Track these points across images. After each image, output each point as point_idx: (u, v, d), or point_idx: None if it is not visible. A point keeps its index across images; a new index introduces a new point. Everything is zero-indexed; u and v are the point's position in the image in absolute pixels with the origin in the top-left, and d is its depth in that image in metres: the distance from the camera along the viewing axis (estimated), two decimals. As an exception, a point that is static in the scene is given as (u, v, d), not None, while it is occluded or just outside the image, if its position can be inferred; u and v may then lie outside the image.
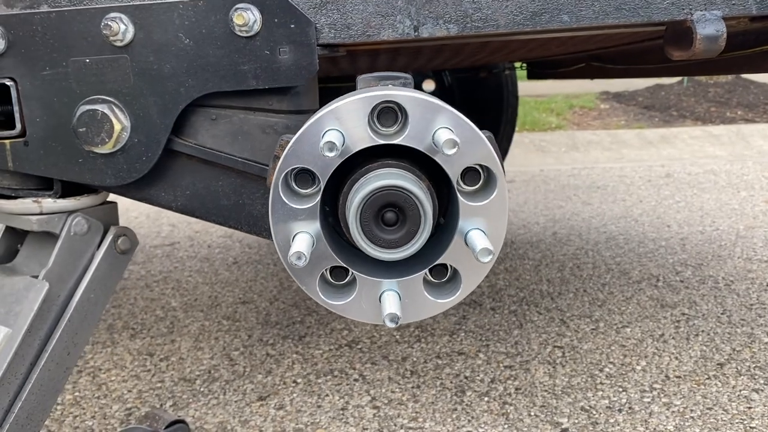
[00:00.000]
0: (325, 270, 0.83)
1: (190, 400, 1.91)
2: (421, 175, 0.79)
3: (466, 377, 2.01)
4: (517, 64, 3.12)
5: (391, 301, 0.78)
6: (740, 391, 1.89)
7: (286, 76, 1.00)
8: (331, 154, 0.71)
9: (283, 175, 0.77)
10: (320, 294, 0.81)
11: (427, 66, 2.03)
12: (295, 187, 0.80)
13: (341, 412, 1.83)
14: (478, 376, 2.02)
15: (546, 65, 2.67)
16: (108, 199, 1.19)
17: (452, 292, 0.82)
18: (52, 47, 0.99)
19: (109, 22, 0.96)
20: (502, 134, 3.33)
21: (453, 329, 2.36)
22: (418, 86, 3.43)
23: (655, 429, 1.70)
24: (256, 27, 0.98)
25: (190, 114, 1.04)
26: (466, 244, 0.79)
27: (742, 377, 1.97)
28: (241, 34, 0.98)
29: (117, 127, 1.00)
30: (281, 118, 1.05)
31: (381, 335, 2.32)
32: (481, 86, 3.28)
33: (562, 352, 2.16)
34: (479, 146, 0.76)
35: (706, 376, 1.98)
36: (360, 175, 0.78)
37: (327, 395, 1.93)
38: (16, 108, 1.01)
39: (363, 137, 0.77)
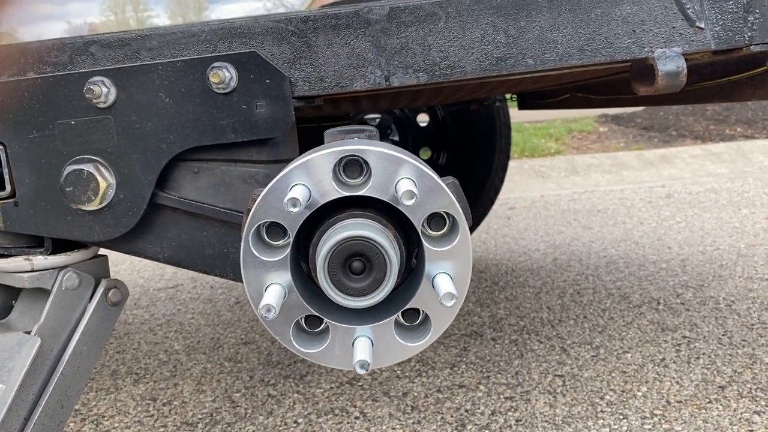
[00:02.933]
0: (300, 318, 0.85)
1: (192, 445, 1.92)
2: (387, 223, 0.82)
3: (466, 410, 2.01)
4: (508, 96, 3.17)
5: (362, 347, 0.80)
6: (742, 413, 1.88)
7: (264, 129, 1.04)
8: (295, 210, 0.75)
9: (253, 228, 0.80)
10: (294, 343, 0.84)
11: (411, 105, 2.08)
12: (267, 239, 0.83)
13: (342, 451, 1.84)
14: (479, 408, 2.02)
15: (534, 96, 2.72)
16: (99, 253, 1.22)
17: (423, 335, 0.85)
18: (39, 111, 1.04)
19: (92, 86, 1.01)
20: (496, 164, 3.36)
21: (454, 362, 2.37)
22: (412, 120, 3.47)
23: (655, 456, 1.70)
24: (233, 84, 1.02)
25: (173, 168, 1.08)
26: (434, 288, 0.81)
27: (743, 399, 1.96)
28: (219, 91, 1.03)
29: (102, 184, 1.04)
30: (262, 168, 1.09)
31: (382, 371, 2.33)
32: (473, 118, 3.33)
33: (563, 381, 2.16)
34: (440, 194, 0.80)
35: (708, 400, 1.97)
36: (328, 226, 0.81)
37: (328, 434, 1.93)
38: (5, 170, 1.05)
39: (329, 190, 0.80)
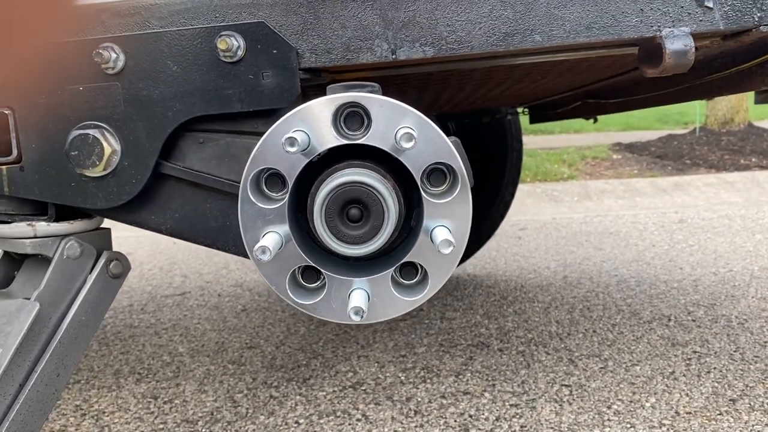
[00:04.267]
0: (297, 270, 0.84)
1: (191, 441, 1.90)
2: (386, 174, 0.81)
3: (470, 416, 1.98)
4: (519, 109, 3.18)
5: (357, 296, 0.79)
6: (753, 426, 1.84)
7: (270, 99, 1.04)
8: (293, 149, 0.74)
9: (251, 176, 0.80)
10: (289, 293, 0.83)
11: (417, 105, 2.08)
12: (266, 190, 0.83)
13: (342, 450, 1.81)
14: (483, 414, 1.98)
15: (545, 107, 2.72)
16: (102, 226, 1.22)
17: (420, 290, 0.83)
18: (49, 77, 1.05)
19: (102, 51, 1.02)
20: (507, 178, 3.35)
21: (459, 370, 2.33)
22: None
23: (662, 463, 1.66)
24: (240, 53, 1.03)
25: (178, 138, 1.08)
26: (432, 241, 0.80)
27: (755, 412, 1.91)
28: (226, 60, 1.03)
29: (107, 150, 1.04)
30: (266, 140, 1.08)
31: (386, 377, 2.30)
32: (484, 132, 3.33)
33: (570, 391, 2.12)
34: (441, 145, 0.79)
35: (718, 412, 1.93)
36: (326, 175, 0.81)
37: (329, 435, 1.90)
38: (12, 135, 1.06)
39: (328, 138, 0.80)
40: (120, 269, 1.17)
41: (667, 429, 1.84)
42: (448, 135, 0.85)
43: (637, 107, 1.98)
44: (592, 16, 1.04)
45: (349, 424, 1.96)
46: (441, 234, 0.77)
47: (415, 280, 0.85)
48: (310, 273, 0.85)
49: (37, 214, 1.13)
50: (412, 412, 2.02)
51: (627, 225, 5.36)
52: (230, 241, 1.13)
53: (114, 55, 1.02)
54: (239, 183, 1.09)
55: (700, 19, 1.04)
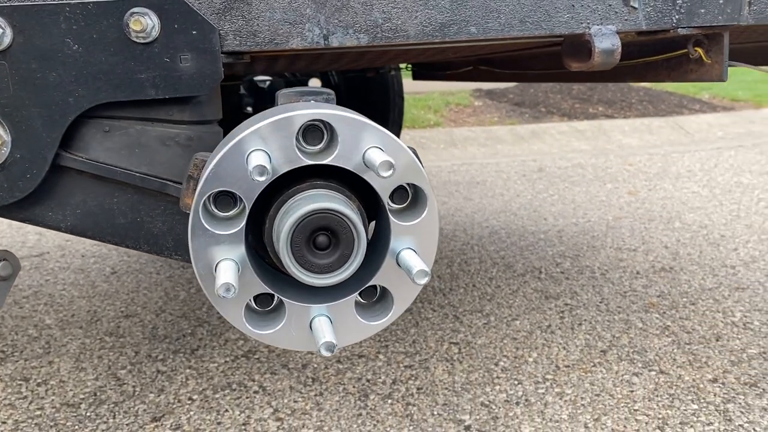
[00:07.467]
0: (250, 298, 0.78)
1: (76, 427, 1.77)
2: (351, 195, 0.76)
3: (368, 380, 2.01)
4: (403, 66, 3.15)
5: (324, 328, 0.75)
6: (622, 376, 2.02)
7: (188, 85, 0.94)
8: (262, 179, 0.67)
9: (203, 199, 0.71)
10: (247, 325, 0.77)
11: (327, 68, 2.00)
12: (215, 211, 0.75)
13: (243, 427, 1.77)
14: (380, 378, 2.02)
15: (433, 67, 2.72)
16: (-18, 220, 1.06)
17: (384, 313, 0.81)
18: None
19: (-17, 25, 0.86)
20: (389, 134, 3.35)
21: (350, 332, 2.35)
22: (303, 85, 3.37)
23: (551, 419, 1.79)
24: (154, 33, 0.91)
25: (80, 126, 0.95)
26: (398, 264, 0.77)
27: (623, 362, 2.10)
28: (138, 41, 0.91)
29: (-5, 141, 0.89)
30: (183, 129, 0.99)
31: (278, 342, 2.26)
32: (367, 86, 3.29)
33: (458, 349, 2.21)
34: (409, 165, 0.75)
35: (592, 364, 2.10)
36: (287, 197, 0.74)
37: (227, 411, 1.85)
38: None
39: (291, 158, 0.73)
40: (9, 270, 1.03)
41: (551, 384, 1.97)
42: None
43: (530, 80, 2.03)
44: (527, 10, 1.03)
45: (247, 397, 1.92)
46: (414, 262, 0.73)
47: (374, 299, 0.82)
48: (263, 295, 0.79)
49: None
50: (310, 380, 2.02)
51: (492, 174, 5.60)
52: (141, 239, 1.03)
53: (-1, 30, 0.87)
54: (151, 176, 0.99)
55: (626, 18, 1.07)
